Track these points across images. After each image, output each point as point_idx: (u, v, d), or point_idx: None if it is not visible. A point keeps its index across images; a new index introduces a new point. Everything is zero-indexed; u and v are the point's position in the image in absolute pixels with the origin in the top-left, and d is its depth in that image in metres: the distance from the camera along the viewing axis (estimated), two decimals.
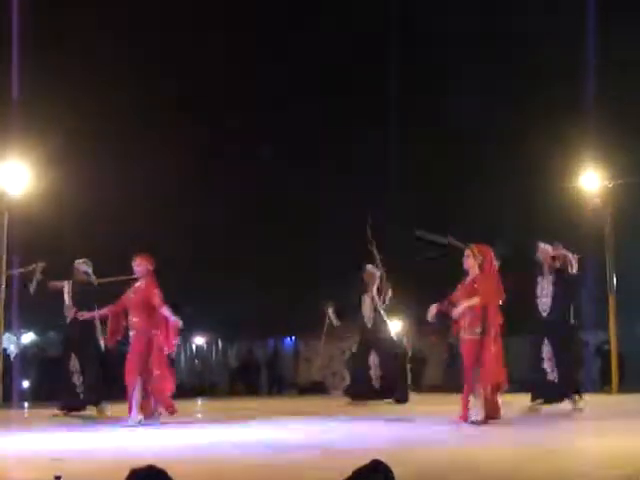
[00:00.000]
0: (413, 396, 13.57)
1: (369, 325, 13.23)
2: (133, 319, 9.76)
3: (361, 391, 13.04)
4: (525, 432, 8.16)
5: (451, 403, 9.88)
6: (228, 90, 22.00)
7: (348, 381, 21.72)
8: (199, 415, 12.79)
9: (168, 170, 20.13)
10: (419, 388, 21.09)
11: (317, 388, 21.57)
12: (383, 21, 21.48)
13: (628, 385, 16.22)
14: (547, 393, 10.00)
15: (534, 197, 18.86)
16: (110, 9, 19.99)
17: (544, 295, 10.04)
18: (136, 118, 20.15)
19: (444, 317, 9.10)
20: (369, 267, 13.27)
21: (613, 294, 16.17)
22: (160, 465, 3.81)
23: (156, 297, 9.68)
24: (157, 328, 9.73)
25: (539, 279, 10.15)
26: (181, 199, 21.32)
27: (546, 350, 9.95)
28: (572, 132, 18.40)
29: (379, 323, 13.24)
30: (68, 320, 11.23)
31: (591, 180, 17.45)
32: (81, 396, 11.12)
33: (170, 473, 3.80)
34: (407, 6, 21.09)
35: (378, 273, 13.21)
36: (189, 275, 20.33)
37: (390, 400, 12.92)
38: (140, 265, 9.89)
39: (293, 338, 23.99)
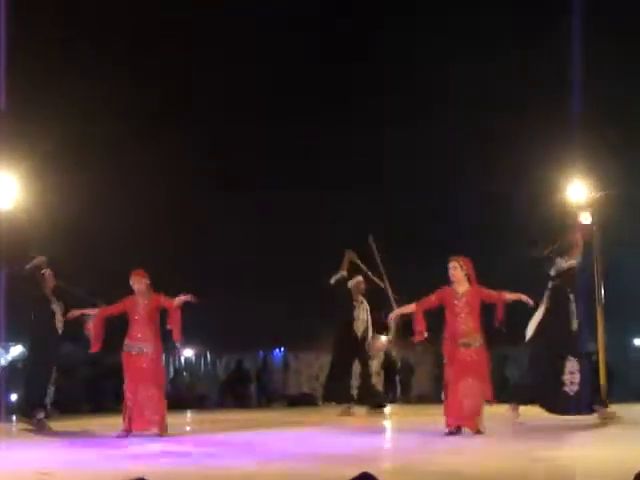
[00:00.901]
0: (402, 407, 13.58)
1: (358, 334, 13.31)
2: (139, 335, 9.74)
3: (339, 395, 13.15)
4: (511, 443, 8.18)
5: (438, 414, 9.90)
6: (218, 96, 22.04)
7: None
8: (188, 428, 12.75)
9: (157, 181, 20.12)
10: (408, 399, 21.13)
11: (306, 400, 21.52)
12: None
13: (615, 395, 16.27)
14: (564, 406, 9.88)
15: (520, 208, 18.91)
16: (97, 18, 20.00)
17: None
18: (125, 128, 20.12)
19: (432, 327, 9.19)
20: (359, 278, 13.37)
21: (601, 305, 16.21)
22: (151, 477, 3.80)
23: (164, 299, 9.85)
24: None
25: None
26: (170, 210, 21.29)
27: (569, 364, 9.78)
28: (559, 143, 18.49)
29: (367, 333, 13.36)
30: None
31: (578, 191, 17.55)
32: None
33: None
34: None
35: (363, 284, 13.36)
36: (178, 286, 20.25)
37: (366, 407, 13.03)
38: (140, 282, 9.88)
39: (282, 350, 23.95)
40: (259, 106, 22.15)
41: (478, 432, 8.68)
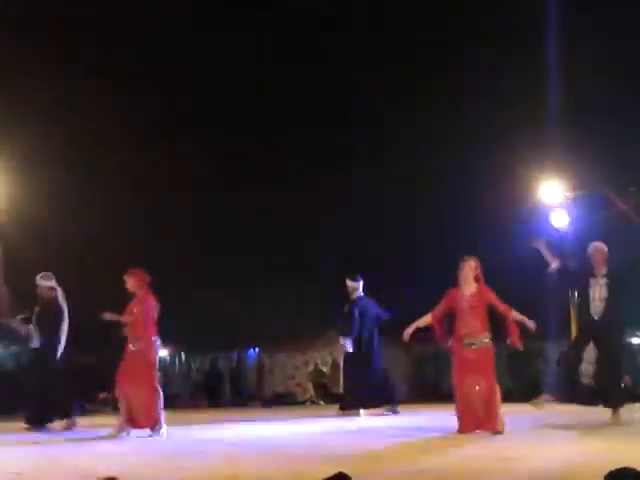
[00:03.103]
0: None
1: None
2: (136, 334, 9.72)
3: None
4: (486, 441, 8.19)
5: (417, 414, 9.94)
6: (209, 100, 22.00)
7: (312, 392, 21.79)
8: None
9: (139, 182, 20.04)
10: None
11: (281, 400, 21.51)
12: None
13: None
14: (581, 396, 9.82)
15: (495, 208, 19.02)
16: (82, 11, 19.87)
17: (597, 299, 9.65)
18: (107, 126, 19.99)
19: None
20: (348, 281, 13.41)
21: (574, 304, 16.32)
22: (129, 475, 3.76)
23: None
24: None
25: (592, 281, 9.73)
26: (149, 212, 21.20)
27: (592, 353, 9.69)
28: (533, 144, 18.62)
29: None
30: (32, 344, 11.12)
31: (552, 191, 17.71)
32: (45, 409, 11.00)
33: None
34: None
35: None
36: (153, 287, 20.18)
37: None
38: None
39: (256, 350, 23.91)
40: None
41: (497, 433, 8.50)
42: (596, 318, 9.66)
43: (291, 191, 21.73)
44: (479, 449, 7.53)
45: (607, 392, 9.55)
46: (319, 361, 22.63)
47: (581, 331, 10.18)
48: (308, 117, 22.30)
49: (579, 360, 9.60)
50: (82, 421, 11.85)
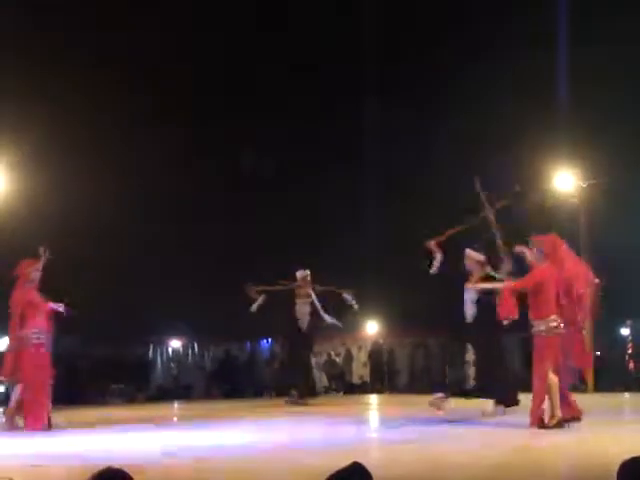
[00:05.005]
0: (389, 397, 13.59)
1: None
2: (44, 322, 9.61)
3: None
4: (501, 433, 8.17)
5: (423, 403, 9.93)
6: (204, 93, 21.95)
7: (325, 382, 21.81)
8: (175, 419, 12.73)
9: (144, 171, 19.99)
10: (394, 389, 21.16)
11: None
12: None
13: (603, 384, 16.47)
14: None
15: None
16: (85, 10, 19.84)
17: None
18: (111, 117, 19.97)
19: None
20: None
21: None
22: (133, 469, 3.77)
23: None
24: None
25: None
26: (158, 201, 21.15)
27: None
28: (546, 134, 18.52)
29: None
30: None
31: (565, 180, 17.65)
32: None
33: (144, 477, 3.76)
34: None
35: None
36: (167, 278, 20.22)
37: None
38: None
39: (269, 341, 23.91)
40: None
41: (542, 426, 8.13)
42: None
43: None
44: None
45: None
46: (332, 352, 22.64)
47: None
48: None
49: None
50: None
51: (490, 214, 9.79)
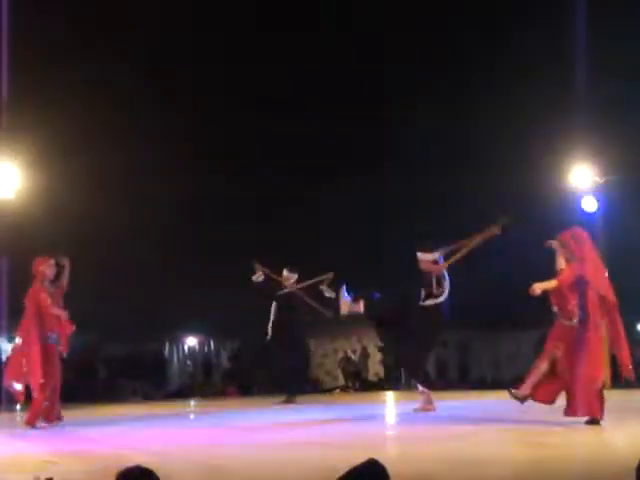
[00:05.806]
0: (405, 394, 13.56)
1: None
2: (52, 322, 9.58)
3: None
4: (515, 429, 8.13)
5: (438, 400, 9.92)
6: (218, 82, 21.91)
7: (342, 379, 21.80)
8: (192, 416, 12.76)
9: (158, 170, 20.00)
10: (410, 386, 21.10)
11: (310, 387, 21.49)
12: None
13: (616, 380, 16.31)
14: None
15: (525, 193, 18.81)
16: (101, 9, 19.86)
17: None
18: (126, 115, 19.99)
19: None
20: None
21: None
22: (152, 465, 3.76)
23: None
24: None
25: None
26: (174, 201, 21.18)
27: None
28: (563, 129, 18.40)
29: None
30: None
31: (582, 176, 17.55)
32: None
33: (161, 473, 3.75)
34: None
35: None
36: (182, 276, 20.26)
37: None
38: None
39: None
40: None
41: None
42: None
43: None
44: None
45: None
46: (348, 349, 22.63)
47: None
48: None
49: None
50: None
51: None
